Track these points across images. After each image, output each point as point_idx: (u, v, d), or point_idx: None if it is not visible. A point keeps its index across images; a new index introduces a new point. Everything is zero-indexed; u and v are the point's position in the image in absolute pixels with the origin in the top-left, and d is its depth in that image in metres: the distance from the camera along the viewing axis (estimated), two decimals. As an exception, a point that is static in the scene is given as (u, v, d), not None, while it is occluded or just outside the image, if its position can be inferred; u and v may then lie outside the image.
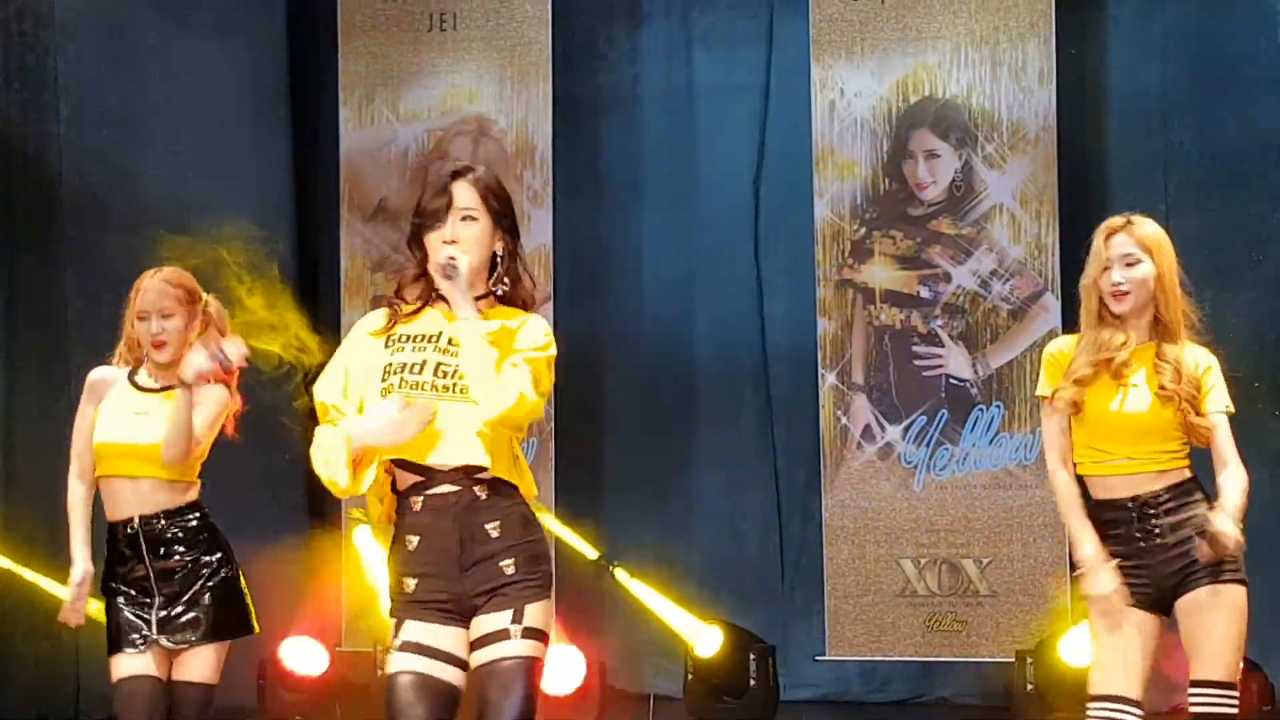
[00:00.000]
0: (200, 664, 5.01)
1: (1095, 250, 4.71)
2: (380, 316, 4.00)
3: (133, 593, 5.02)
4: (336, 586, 8.91)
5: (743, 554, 8.91)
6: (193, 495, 5.10)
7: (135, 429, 5.04)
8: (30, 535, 7.69)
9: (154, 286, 5.12)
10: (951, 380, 8.39)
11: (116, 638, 5.02)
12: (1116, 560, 4.60)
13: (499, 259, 3.93)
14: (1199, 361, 4.66)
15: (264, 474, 8.24)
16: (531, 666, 3.77)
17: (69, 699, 8.06)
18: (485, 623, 3.80)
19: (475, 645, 3.80)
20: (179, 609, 5.00)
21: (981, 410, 8.30)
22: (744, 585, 8.81)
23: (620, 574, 7.92)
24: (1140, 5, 8.47)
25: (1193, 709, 4.52)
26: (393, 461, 3.84)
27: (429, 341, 3.87)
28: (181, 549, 5.03)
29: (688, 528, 9.02)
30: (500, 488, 3.83)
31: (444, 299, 3.92)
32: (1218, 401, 4.66)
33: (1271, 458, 8.15)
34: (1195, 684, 4.53)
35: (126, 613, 5.01)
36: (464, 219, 3.89)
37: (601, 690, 8.00)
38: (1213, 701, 4.52)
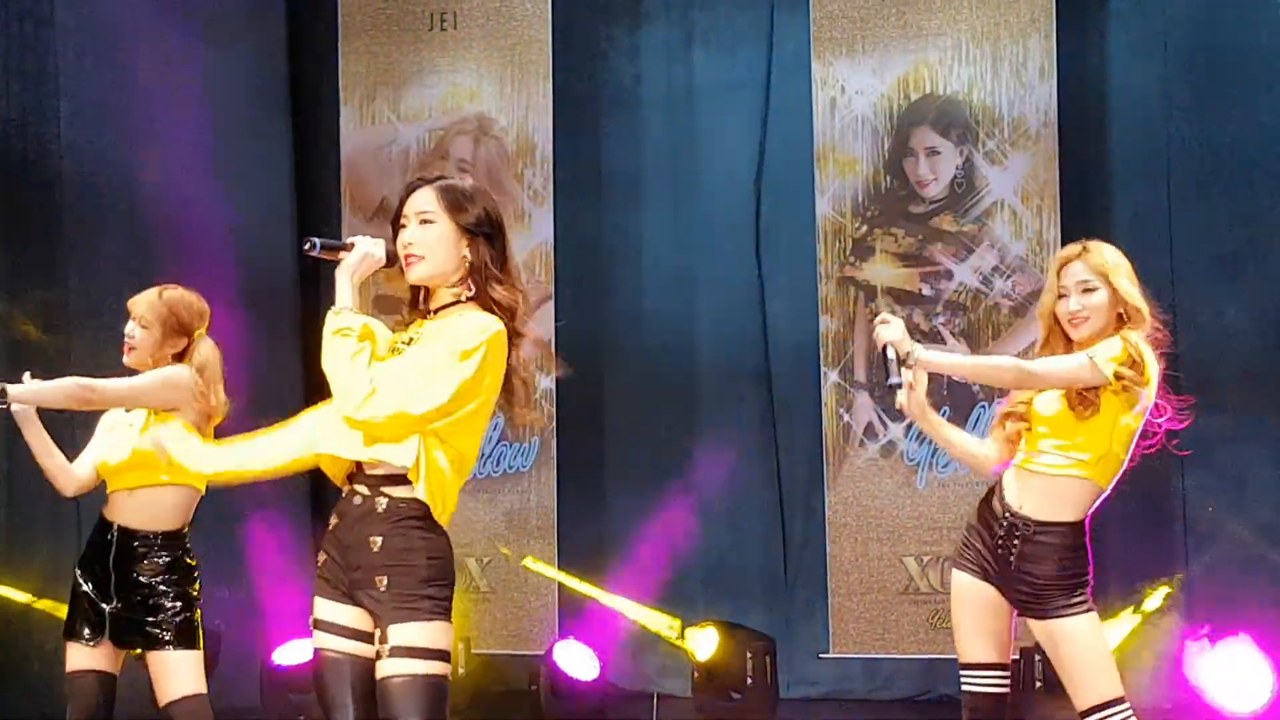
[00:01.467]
0: (182, 676, 5.04)
1: (1049, 280, 4.82)
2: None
3: (93, 584, 5.14)
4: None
5: (745, 552, 8.90)
6: (181, 514, 5.17)
7: (124, 441, 5.17)
8: (31, 534, 7.69)
9: (146, 295, 5.20)
10: (954, 377, 8.38)
11: (71, 624, 5.18)
12: (972, 536, 4.77)
13: (469, 264, 3.91)
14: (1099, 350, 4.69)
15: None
16: (414, 685, 3.73)
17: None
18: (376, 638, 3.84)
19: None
20: (132, 616, 5.11)
21: (984, 407, 8.29)
22: (747, 583, 8.81)
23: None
24: (1141, 0, 8.46)
25: None
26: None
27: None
28: (144, 577, 5.14)
29: (690, 525, 9.00)
30: (403, 504, 3.81)
31: (424, 307, 3.97)
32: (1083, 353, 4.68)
33: (1274, 453, 8.16)
34: (1084, 713, 4.67)
35: (84, 603, 5.15)
36: (422, 222, 3.91)
37: (605, 688, 7.99)
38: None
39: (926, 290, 8.45)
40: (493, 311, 3.88)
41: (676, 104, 9.06)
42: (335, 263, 3.96)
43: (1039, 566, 4.66)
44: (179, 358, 5.19)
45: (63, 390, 5.01)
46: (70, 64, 8.23)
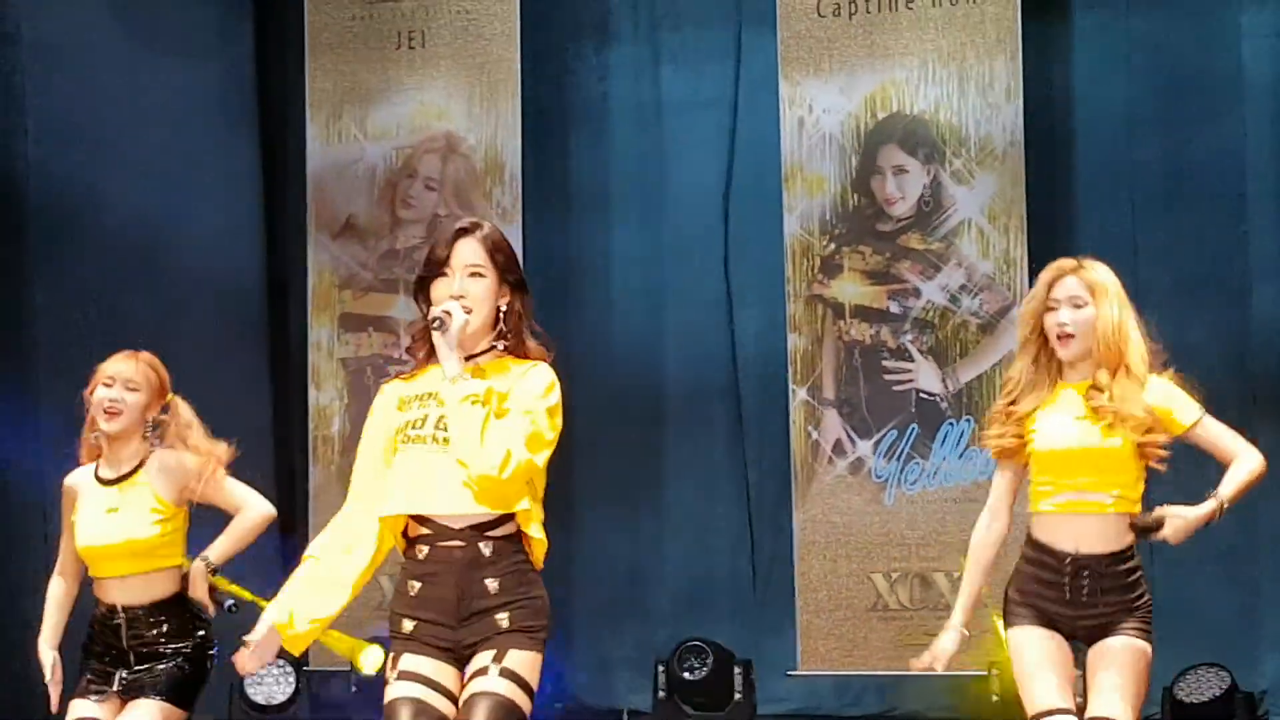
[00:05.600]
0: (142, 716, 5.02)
1: (1039, 288, 4.71)
2: (389, 391, 4.11)
3: (106, 656, 5.10)
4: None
5: (714, 568, 8.91)
6: (177, 582, 5.14)
7: (109, 529, 5.09)
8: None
9: (128, 360, 5.15)
10: (921, 395, 8.41)
11: (79, 687, 5.13)
12: (1037, 597, 4.63)
13: (502, 314, 4.02)
14: (1153, 388, 4.61)
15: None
16: (507, 705, 3.82)
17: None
18: (471, 666, 3.91)
19: (463, 689, 3.90)
20: (142, 669, 5.08)
21: (951, 425, 8.32)
22: (715, 600, 8.82)
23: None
24: (1105, 21, 8.51)
25: None
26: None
27: (430, 398, 3.98)
28: (160, 635, 5.10)
29: (659, 542, 9.02)
30: (505, 545, 3.92)
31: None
32: (1189, 413, 4.65)
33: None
34: None
35: (94, 670, 5.11)
36: (472, 275, 3.99)
37: (572, 706, 7.99)
38: None
39: (894, 308, 8.48)
40: (527, 356, 4.04)
41: (645, 122, 9.08)
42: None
43: (1113, 594, 4.57)
44: (155, 421, 5.14)
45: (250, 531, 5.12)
46: (37, 82, 8.22)
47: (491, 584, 3.89)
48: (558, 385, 4.03)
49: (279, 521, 8.72)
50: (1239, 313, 8.22)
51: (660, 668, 8.03)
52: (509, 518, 3.94)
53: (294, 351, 8.94)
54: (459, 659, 3.92)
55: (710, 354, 8.96)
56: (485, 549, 3.90)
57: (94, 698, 5.07)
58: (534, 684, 3.89)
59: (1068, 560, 4.59)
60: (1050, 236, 8.12)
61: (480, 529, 3.91)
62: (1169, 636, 4.73)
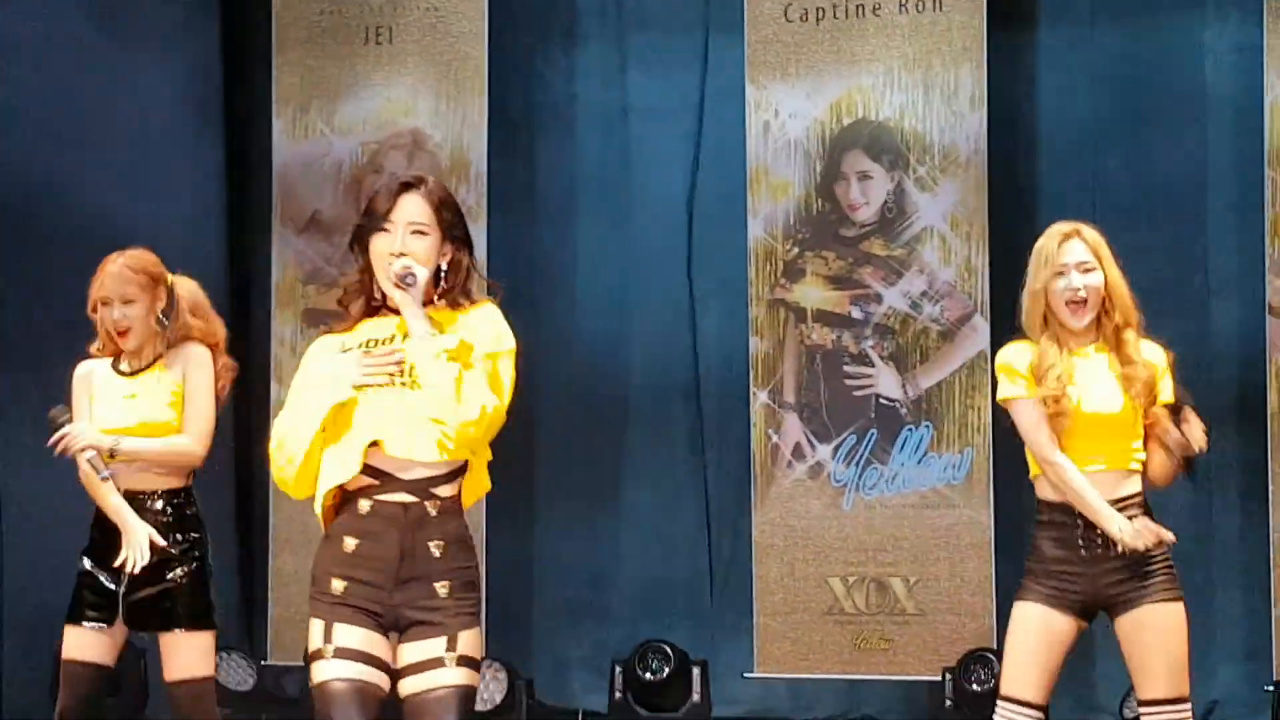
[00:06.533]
0: (183, 658, 5.01)
1: (1046, 255, 4.68)
2: (327, 340, 3.98)
3: (105, 563, 5.04)
4: (263, 599, 8.88)
5: (672, 570, 8.93)
6: (183, 476, 5.14)
7: (127, 413, 5.08)
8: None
9: (114, 272, 5.15)
10: (881, 400, 8.45)
11: (78, 606, 5.08)
12: (1054, 563, 4.65)
13: (444, 272, 3.92)
14: (1154, 357, 4.72)
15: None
16: (465, 695, 3.76)
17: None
18: (417, 650, 3.77)
19: (406, 672, 3.78)
20: (146, 593, 5.02)
21: (911, 430, 8.36)
22: (673, 601, 8.84)
23: None
24: (1070, 32, 8.56)
25: None
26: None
27: (386, 343, 3.86)
28: (165, 530, 5.05)
29: (617, 544, 9.04)
30: (451, 506, 3.82)
31: (388, 308, 3.92)
32: (1166, 390, 4.72)
33: (1194, 487, 8.25)
34: (1146, 703, 4.60)
35: (95, 586, 5.05)
36: (414, 232, 3.87)
37: (528, 706, 8.00)
38: (1168, 716, 4.58)
39: (856, 313, 8.51)
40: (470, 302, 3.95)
41: (611, 124, 9.09)
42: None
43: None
44: (164, 312, 5.15)
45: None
46: (1, 75, 8.16)
47: (435, 547, 3.77)
48: (500, 316, 3.96)
49: (235, 518, 8.75)
50: (1199, 324, 8.29)
51: (618, 668, 8.05)
52: (457, 475, 3.83)
53: (256, 347, 8.91)
54: (387, 624, 3.79)
55: (672, 357, 8.98)
56: (431, 509, 3.77)
57: (90, 625, 5.03)
58: (481, 658, 3.84)
59: (1076, 512, 4.61)
60: (1012, 246, 8.13)
61: (429, 484, 3.78)
62: (1118, 648, 4.76)
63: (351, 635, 3.76)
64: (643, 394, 9.01)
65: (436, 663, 3.74)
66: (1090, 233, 4.74)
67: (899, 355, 8.45)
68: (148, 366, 5.15)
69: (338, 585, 3.77)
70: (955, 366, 8.35)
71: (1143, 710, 4.60)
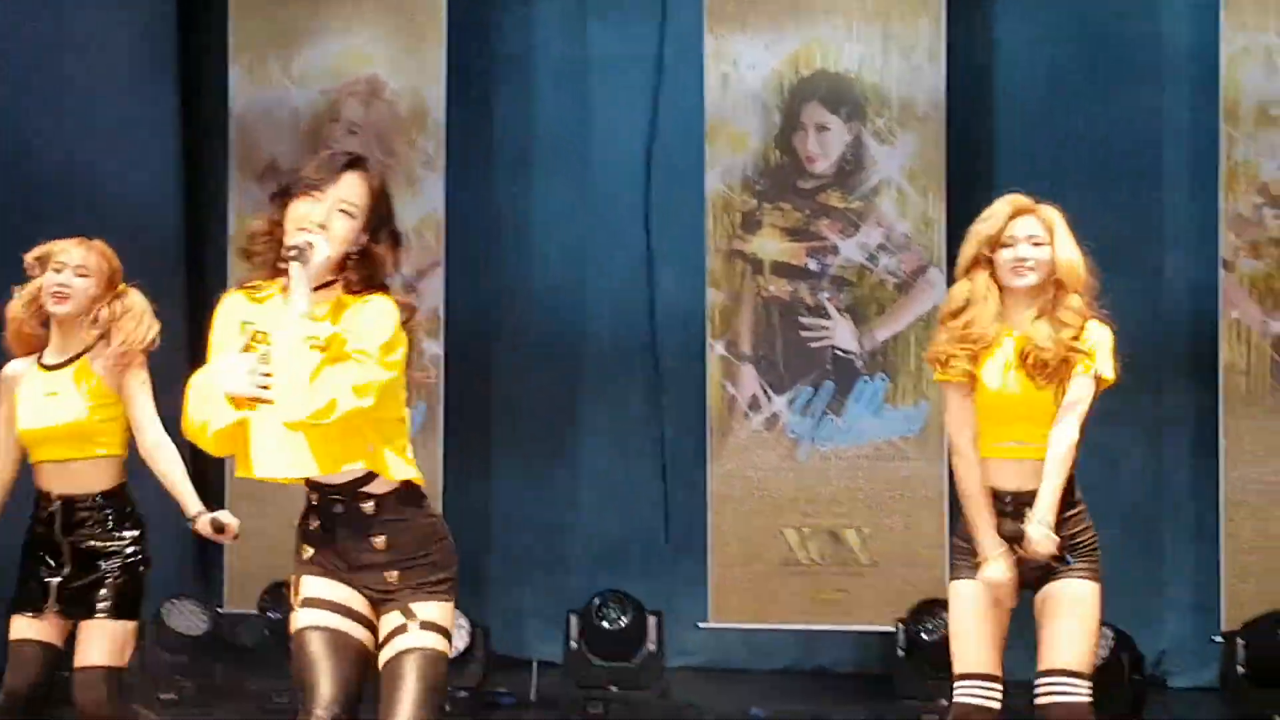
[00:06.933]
0: (97, 645, 5.03)
1: (997, 216, 4.70)
2: (236, 301, 3.88)
3: (45, 557, 5.09)
4: (218, 547, 8.87)
5: (629, 522, 8.96)
6: (116, 474, 5.15)
7: (49, 412, 5.10)
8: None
9: (82, 246, 5.12)
10: (837, 352, 8.48)
11: (19, 597, 5.12)
12: (968, 542, 4.68)
13: (353, 259, 3.78)
14: (1092, 334, 4.68)
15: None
16: (430, 657, 3.76)
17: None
18: (383, 624, 3.81)
19: (379, 648, 3.81)
20: (81, 583, 5.07)
21: (866, 382, 8.39)
22: (629, 552, 8.87)
23: None
24: (1029, -13, 8.59)
25: (1038, 698, 4.61)
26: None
27: (265, 341, 3.75)
28: (98, 530, 5.10)
29: (575, 495, 9.06)
30: (390, 501, 3.79)
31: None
32: (1104, 365, 4.68)
33: (1147, 440, 8.34)
34: (1042, 672, 4.61)
35: (33, 577, 5.09)
36: (342, 211, 3.76)
37: (485, 655, 8.02)
38: (1058, 689, 4.59)
39: (813, 265, 8.53)
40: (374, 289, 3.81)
41: (569, 76, 9.06)
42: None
43: (1061, 529, 4.58)
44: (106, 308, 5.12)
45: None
46: (-46, 19, 8.09)
47: (378, 540, 3.77)
48: (394, 315, 3.74)
49: (195, 473, 8.71)
50: (1154, 279, 8.34)
51: (574, 618, 8.08)
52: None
53: (213, 296, 8.87)
54: (354, 585, 3.79)
55: (630, 309, 8.98)
56: (367, 507, 3.77)
57: (30, 614, 5.06)
58: (451, 629, 3.83)
59: (1008, 499, 4.64)
60: (969, 199, 8.15)
61: (354, 485, 3.77)
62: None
63: (320, 586, 3.80)
64: (600, 345, 9.02)
65: (400, 630, 3.77)
66: (1047, 212, 4.75)
67: (855, 307, 8.48)
68: (72, 360, 5.12)
69: (308, 551, 3.84)
70: (911, 319, 8.38)
71: (1038, 681, 4.61)
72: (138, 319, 5.13)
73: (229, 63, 9.03)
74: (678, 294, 8.87)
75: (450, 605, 3.82)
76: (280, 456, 3.73)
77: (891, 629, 7.88)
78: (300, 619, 3.79)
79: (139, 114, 8.85)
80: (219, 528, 5.14)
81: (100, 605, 5.04)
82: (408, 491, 3.81)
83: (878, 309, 8.45)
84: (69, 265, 5.08)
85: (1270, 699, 7.04)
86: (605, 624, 7.86)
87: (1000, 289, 4.70)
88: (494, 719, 7.84)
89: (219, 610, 8.51)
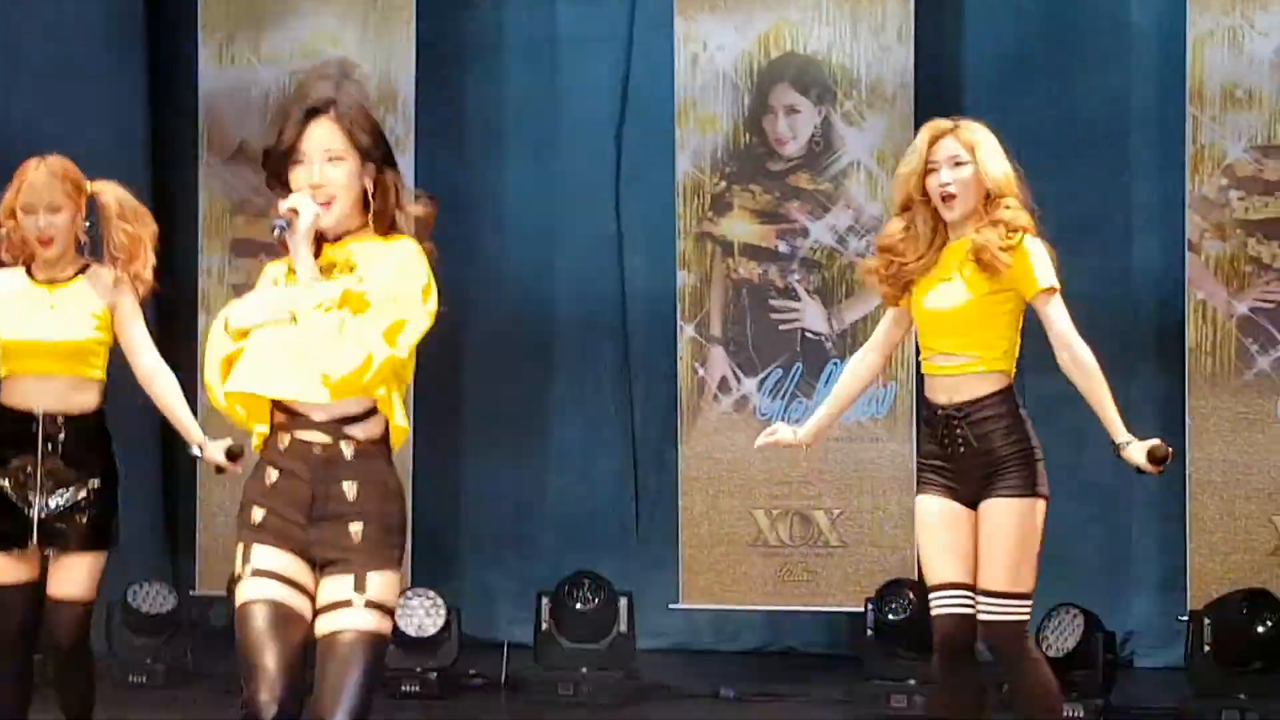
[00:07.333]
0: (74, 578, 4.99)
1: (918, 149, 4.77)
2: (270, 272, 3.87)
3: (16, 486, 5.00)
4: (190, 529, 8.87)
5: (598, 503, 8.98)
6: (96, 397, 5.09)
7: (46, 325, 5.00)
8: None
9: (40, 179, 5.02)
10: (807, 334, 8.50)
11: None
12: (928, 457, 4.83)
13: (370, 195, 3.75)
14: (1031, 250, 4.72)
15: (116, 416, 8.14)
16: (373, 641, 3.67)
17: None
18: (328, 588, 3.70)
19: (319, 612, 3.71)
20: (57, 513, 4.99)
21: (836, 364, 8.41)
22: (598, 534, 8.88)
23: None
24: (997, -33, 8.60)
25: (979, 618, 4.68)
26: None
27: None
28: (74, 452, 5.02)
29: (544, 477, 9.07)
30: (370, 449, 3.71)
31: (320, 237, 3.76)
32: (1046, 276, 4.71)
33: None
34: (980, 593, 4.70)
35: (10, 510, 4.99)
36: (330, 160, 3.73)
37: (457, 637, 8.03)
38: (994, 609, 4.67)
39: (783, 247, 8.55)
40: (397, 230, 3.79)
41: (539, 55, 9.05)
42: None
43: (987, 441, 4.67)
44: (88, 220, 5.09)
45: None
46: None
47: (349, 488, 3.67)
48: (421, 259, 3.73)
49: (161, 448, 8.68)
50: (1121, 260, 8.37)
51: (545, 600, 8.09)
52: (373, 413, 3.70)
53: (183, 277, 8.85)
54: (309, 560, 3.70)
55: (600, 290, 8.99)
56: (347, 450, 3.68)
57: (11, 552, 4.98)
58: (394, 605, 3.75)
59: (939, 412, 4.75)
60: (938, 181, 8.20)
61: (342, 423, 3.68)
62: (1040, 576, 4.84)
63: (268, 557, 3.69)
64: (570, 327, 9.03)
65: (344, 604, 3.66)
66: (970, 130, 4.77)
67: (825, 289, 8.50)
68: (67, 280, 5.07)
69: (258, 514, 3.72)
70: (880, 300, 8.38)
71: (978, 601, 4.68)
72: (134, 215, 5.11)
73: (198, 43, 8.99)
74: (648, 276, 8.88)
75: (397, 577, 3.74)
76: (287, 375, 3.63)
77: (860, 610, 7.91)
78: (247, 590, 3.69)
79: (107, 94, 8.81)
80: (233, 455, 5.02)
81: (77, 536, 4.98)
82: (385, 445, 3.75)
83: (847, 291, 8.47)
84: (41, 206, 5.00)
85: (1235, 678, 7.07)
86: (576, 605, 7.87)
87: (942, 222, 4.76)
88: (464, 701, 7.84)
89: (190, 593, 8.51)
